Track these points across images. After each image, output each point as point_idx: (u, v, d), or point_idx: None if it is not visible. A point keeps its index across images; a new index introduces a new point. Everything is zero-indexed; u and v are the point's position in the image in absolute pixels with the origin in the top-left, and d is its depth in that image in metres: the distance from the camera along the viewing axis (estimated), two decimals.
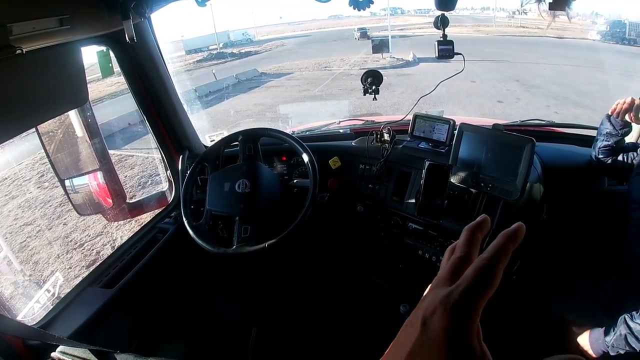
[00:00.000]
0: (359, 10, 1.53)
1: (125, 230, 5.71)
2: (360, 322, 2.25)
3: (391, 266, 2.29)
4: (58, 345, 1.28)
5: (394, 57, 19.14)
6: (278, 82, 17.68)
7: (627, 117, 1.93)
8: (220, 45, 34.34)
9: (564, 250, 2.25)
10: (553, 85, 13.26)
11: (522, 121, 2.56)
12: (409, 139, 2.22)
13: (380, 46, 19.79)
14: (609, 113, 1.98)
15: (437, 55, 1.94)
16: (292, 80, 17.67)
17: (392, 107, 10.59)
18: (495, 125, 1.97)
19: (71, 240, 6.26)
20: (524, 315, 2.07)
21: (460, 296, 0.41)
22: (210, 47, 33.28)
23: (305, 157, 1.96)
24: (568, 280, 2.05)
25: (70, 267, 5.66)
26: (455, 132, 1.94)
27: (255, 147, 2.02)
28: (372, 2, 1.56)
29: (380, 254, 2.31)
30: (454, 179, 1.89)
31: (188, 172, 2.06)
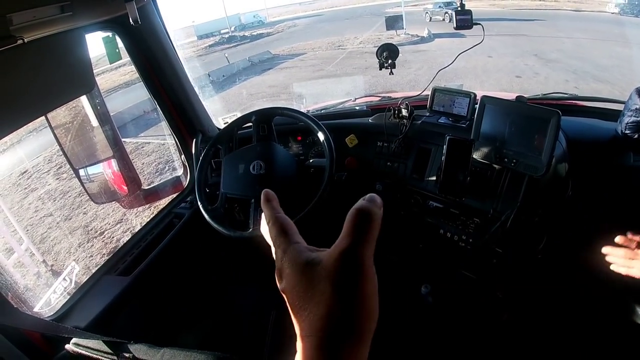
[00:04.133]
0: None
1: (144, 217, 5.75)
2: (380, 302, 2.23)
3: (411, 246, 2.24)
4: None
5: (408, 34, 18.80)
6: (292, 62, 17.53)
7: None
8: (232, 28, 34.05)
9: (589, 228, 2.17)
10: (572, 59, 12.80)
11: (545, 94, 2.48)
12: (428, 114, 2.14)
13: (393, 22, 19.53)
14: None
15: (455, 25, 1.89)
16: (305, 60, 17.47)
17: (408, 84, 10.42)
18: (519, 97, 1.86)
19: (91, 229, 6.33)
20: (552, 293, 2.03)
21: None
22: (222, 31, 33.01)
23: (320, 136, 1.89)
24: (597, 261, 2.01)
25: (91, 256, 5.74)
26: (477, 105, 1.85)
27: (269, 127, 1.97)
28: None
29: (400, 233, 2.25)
30: (476, 155, 1.81)
31: (202, 155, 2.02)
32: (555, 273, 2.02)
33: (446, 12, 22.65)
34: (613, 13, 21.97)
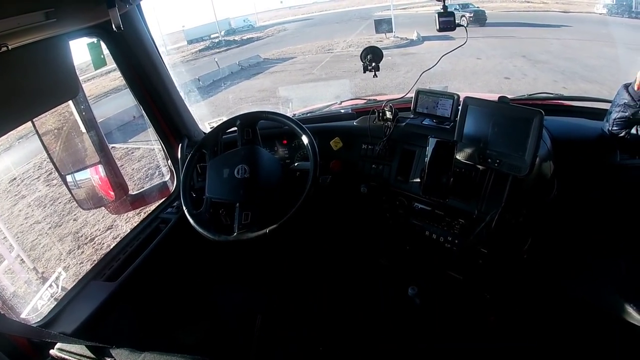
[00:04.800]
0: None
1: (135, 222, 5.74)
2: (368, 305, 2.24)
3: (398, 248, 2.26)
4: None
5: (397, 37, 18.92)
6: (281, 66, 17.54)
7: None
8: (222, 33, 33.94)
9: (576, 227, 2.18)
10: (560, 60, 12.94)
11: (530, 95, 2.50)
12: (412, 116, 2.16)
13: (382, 26, 19.62)
14: (635, 86, 1.93)
15: (437, 27, 1.91)
16: (295, 64, 17.51)
17: (397, 87, 10.46)
18: (501, 98, 1.88)
19: (82, 236, 6.31)
20: (539, 294, 2.06)
21: None
22: (212, 36, 32.93)
23: (304, 139, 1.90)
24: (580, 258, 2.03)
25: (81, 263, 5.72)
26: (460, 107, 1.87)
27: (254, 131, 1.97)
28: None
29: (387, 236, 2.28)
30: (459, 156, 1.82)
31: (187, 160, 2.01)
32: (541, 273, 2.05)
33: (463, 16, 21.26)
34: (601, 14, 22.22)
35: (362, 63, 2.15)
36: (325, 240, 2.46)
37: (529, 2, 29.71)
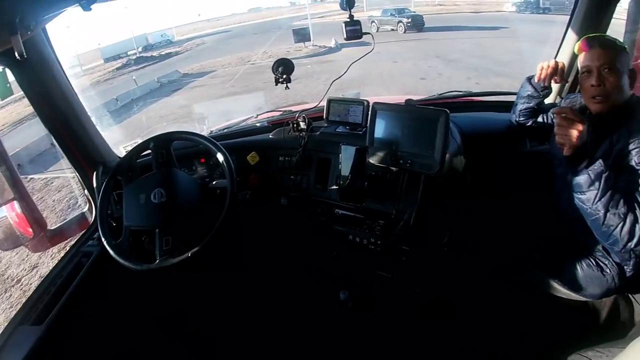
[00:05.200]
0: None
1: (59, 257, 5.40)
2: (301, 313, 2.26)
3: (325, 254, 2.29)
4: None
5: (316, 45, 19.17)
6: (202, 81, 17.25)
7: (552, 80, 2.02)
8: (139, 49, 32.88)
9: (493, 214, 2.29)
10: (472, 57, 13.69)
11: (440, 94, 2.63)
12: (326, 124, 2.24)
13: (301, 35, 19.79)
14: (536, 78, 2.05)
15: (345, 36, 1.96)
16: (215, 77, 17.28)
17: (317, 95, 10.44)
18: (407, 101, 2.00)
19: (7, 278, 5.86)
20: (466, 280, 2.14)
21: None
22: (129, 53, 31.83)
23: (220, 157, 1.88)
24: (502, 244, 2.13)
25: (11, 307, 5.31)
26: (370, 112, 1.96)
27: (168, 152, 1.92)
28: None
29: (313, 244, 2.31)
30: (372, 160, 1.92)
31: (102, 188, 1.93)
32: (463, 263, 2.14)
33: (400, 22, 21.49)
34: (510, 12, 23.64)
35: (274, 75, 2.16)
36: (252, 257, 2.44)
37: (441, 4, 31.11)
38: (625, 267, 1.85)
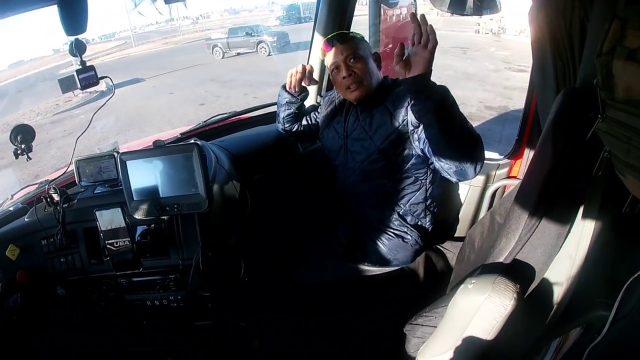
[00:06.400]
0: None
1: None
2: None
3: (133, 328, 2.04)
4: None
5: (86, 92, 17.89)
6: None
7: (303, 84, 2.11)
8: None
9: (287, 227, 2.33)
10: (246, 74, 14.15)
11: (204, 121, 2.57)
12: (82, 189, 1.94)
13: (68, 84, 18.21)
14: (287, 85, 2.16)
15: (79, 86, 1.75)
16: None
17: (97, 145, 9.59)
18: (156, 142, 1.86)
19: None
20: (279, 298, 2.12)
21: None
22: None
23: None
24: (304, 251, 2.19)
25: None
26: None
27: None
28: None
29: (110, 324, 2.03)
30: (137, 215, 1.73)
31: None
32: (269, 285, 2.13)
33: (261, 42, 18.52)
34: (275, 25, 25.06)
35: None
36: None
37: (209, 29, 31.68)
38: (423, 225, 2.04)
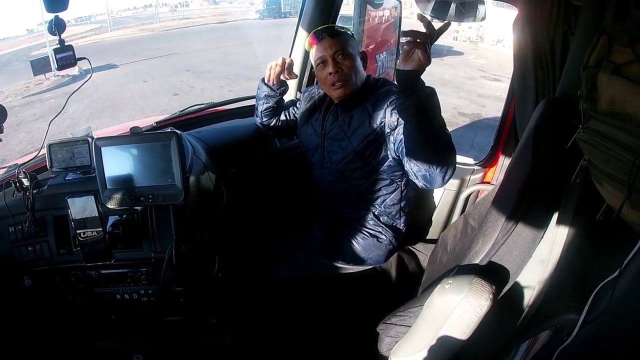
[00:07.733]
0: None
1: None
2: None
3: (102, 322, 1.99)
4: None
5: (59, 75, 17.43)
6: None
7: (282, 77, 2.09)
8: None
9: (262, 222, 2.31)
10: (222, 66, 13.91)
11: (181, 111, 2.50)
12: (53, 175, 1.86)
13: (41, 66, 17.71)
14: (266, 78, 2.12)
15: (56, 66, 1.66)
16: None
17: (69, 129, 9.33)
18: (133, 129, 1.74)
19: None
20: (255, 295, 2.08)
21: None
22: None
23: None
24: (278, 246, 2.16)
25: None
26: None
27: None
28: None
29: (79, 315, 1.97)
30: (110, 204, 1.68)
31: None
32: (243, 280, 2.09)
33: None
34: (254, 19, 24.99)
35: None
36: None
37: (187, 18, 31.17)
38: (397, 226, 2.05)
